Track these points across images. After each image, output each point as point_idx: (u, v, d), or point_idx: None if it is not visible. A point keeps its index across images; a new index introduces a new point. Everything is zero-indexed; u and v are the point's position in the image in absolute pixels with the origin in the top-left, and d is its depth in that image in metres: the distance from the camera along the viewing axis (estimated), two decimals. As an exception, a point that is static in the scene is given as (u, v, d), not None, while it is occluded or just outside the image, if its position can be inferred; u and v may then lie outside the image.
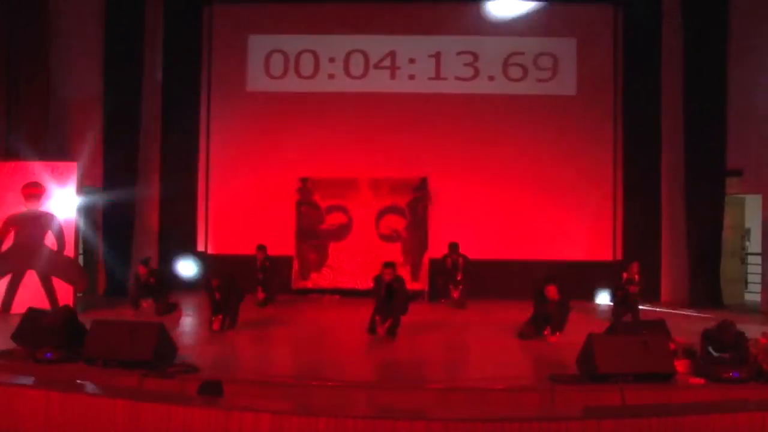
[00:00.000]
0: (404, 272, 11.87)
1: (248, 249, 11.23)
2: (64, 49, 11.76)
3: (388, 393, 5.79)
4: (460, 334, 9.11)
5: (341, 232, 12.33)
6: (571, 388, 5.71)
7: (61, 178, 9.90)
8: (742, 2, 11.68)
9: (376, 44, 12.93)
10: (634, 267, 9.73)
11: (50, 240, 9.80)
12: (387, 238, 12.25)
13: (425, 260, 12.12)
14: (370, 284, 8.65)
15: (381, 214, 12.30)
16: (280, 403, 5.16)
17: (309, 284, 12.29)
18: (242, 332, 8.42)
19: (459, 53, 12.90)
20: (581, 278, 11.50)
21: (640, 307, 9.76)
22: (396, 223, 12.23)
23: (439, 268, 11.61)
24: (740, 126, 11.59)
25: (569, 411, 5.18)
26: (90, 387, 5.28)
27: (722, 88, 11.63)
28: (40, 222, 9.78)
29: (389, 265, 8.62)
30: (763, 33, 11.56)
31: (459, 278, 11.18)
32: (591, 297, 11.56)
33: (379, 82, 12.95)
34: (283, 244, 12.23)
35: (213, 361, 6.72)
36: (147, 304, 9.85)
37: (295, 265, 12.29)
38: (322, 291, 12.19)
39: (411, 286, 12.00)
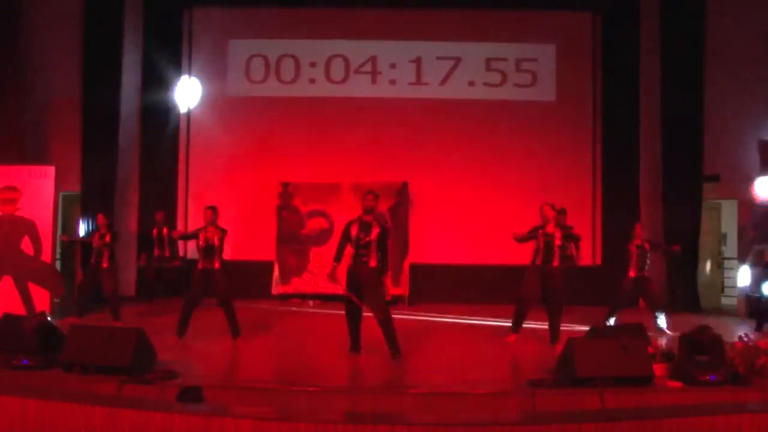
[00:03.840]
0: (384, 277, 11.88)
1: (228, 254, 11.11)
2: (42, 52, 11.67)
3: (369, 398, 5.77)
4: (441, 339, 9.11)
5: (322, 236, 12.30)
6: (551, 392, 5.74)
7: (38, 182, 9.78)
8: (719, 11, 11.86)
9: (357, 49, 12.95)
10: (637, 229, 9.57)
11: (27, 245, 9.68)
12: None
13: (406, 265, 12.12)
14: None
15: (361, 219, 12.27)
16: (261, 408, 5.13)
17: (290, 289, 12.26)
18: (222, 337, 8.36)
19: (439, 58, 12.96)
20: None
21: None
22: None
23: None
24: (716, 132, 11.77)
25: (549, 415, 5.20)
26: (67, 394, 5.21)
27: (699, 94, 11.80)
28: (16, 226, 9.64)
29: (372, 192, 7.70)
30: (738, 42, 11.76)
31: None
32: (570, 301, 11.61)
33: (360, 87, 12.97)
34: (264, 249, 12.22)
35: (193, 366, 6.67)
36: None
37: (276, 270, 12.26)
38: (303, 296, 12.16)
39: (391, 291, 12.06)
